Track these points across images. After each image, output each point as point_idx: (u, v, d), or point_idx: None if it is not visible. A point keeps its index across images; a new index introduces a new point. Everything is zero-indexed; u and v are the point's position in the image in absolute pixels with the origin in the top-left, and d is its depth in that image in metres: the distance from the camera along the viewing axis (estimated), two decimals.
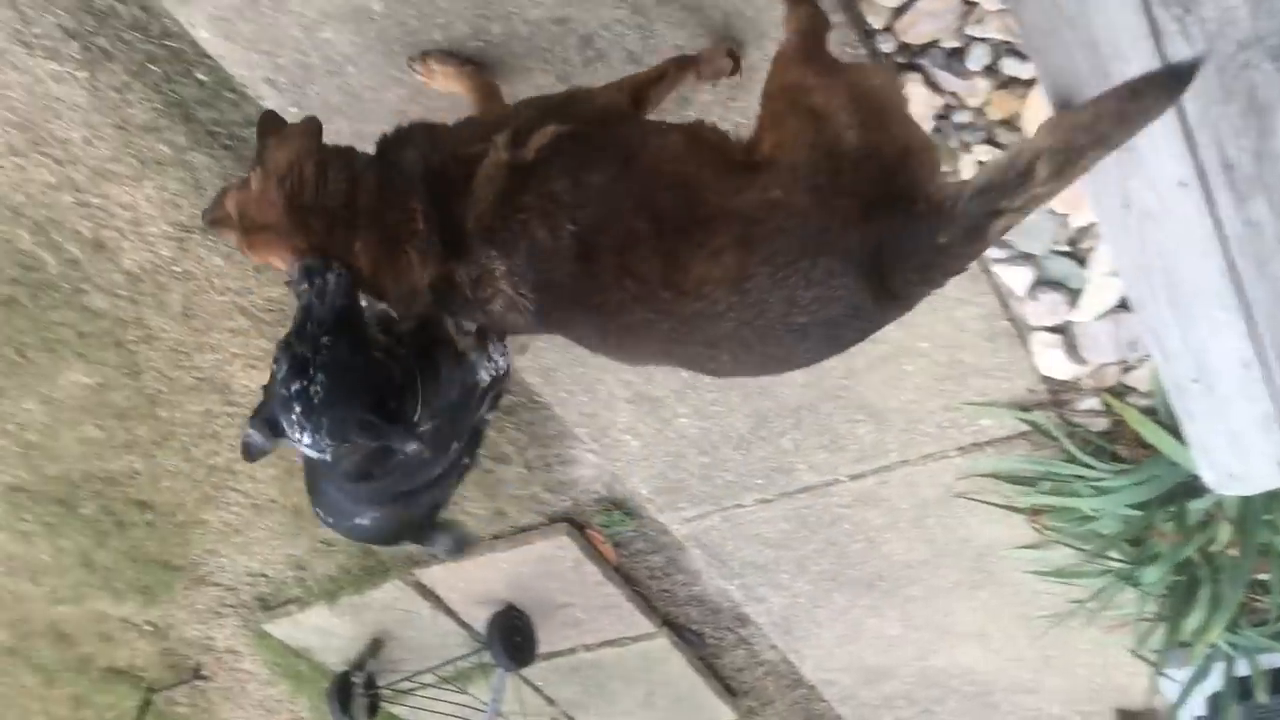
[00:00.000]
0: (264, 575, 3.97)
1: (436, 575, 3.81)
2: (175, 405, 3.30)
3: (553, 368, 3.00)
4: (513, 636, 3.85)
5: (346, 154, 1.85)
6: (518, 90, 2.30)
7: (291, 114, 2.45)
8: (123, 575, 3.99)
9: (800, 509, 3.28)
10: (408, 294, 1.83)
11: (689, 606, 3.84)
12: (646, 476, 3.28)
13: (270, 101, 2.44)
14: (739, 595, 3.70)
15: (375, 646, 4.25)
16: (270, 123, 1.93)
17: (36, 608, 4.23)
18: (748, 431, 3.04)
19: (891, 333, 2.66)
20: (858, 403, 2.89)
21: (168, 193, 2.71)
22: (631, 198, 1.73)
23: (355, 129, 2.48)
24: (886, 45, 2.17)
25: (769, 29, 2.16)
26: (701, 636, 3.93)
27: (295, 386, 1.74)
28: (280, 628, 4.13)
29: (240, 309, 2.99)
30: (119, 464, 3.53)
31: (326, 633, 4.14)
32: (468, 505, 3.52)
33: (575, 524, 3.53)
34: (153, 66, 2.47)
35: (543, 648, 3.95)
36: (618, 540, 3.60)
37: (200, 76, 2.49)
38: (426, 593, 3.89)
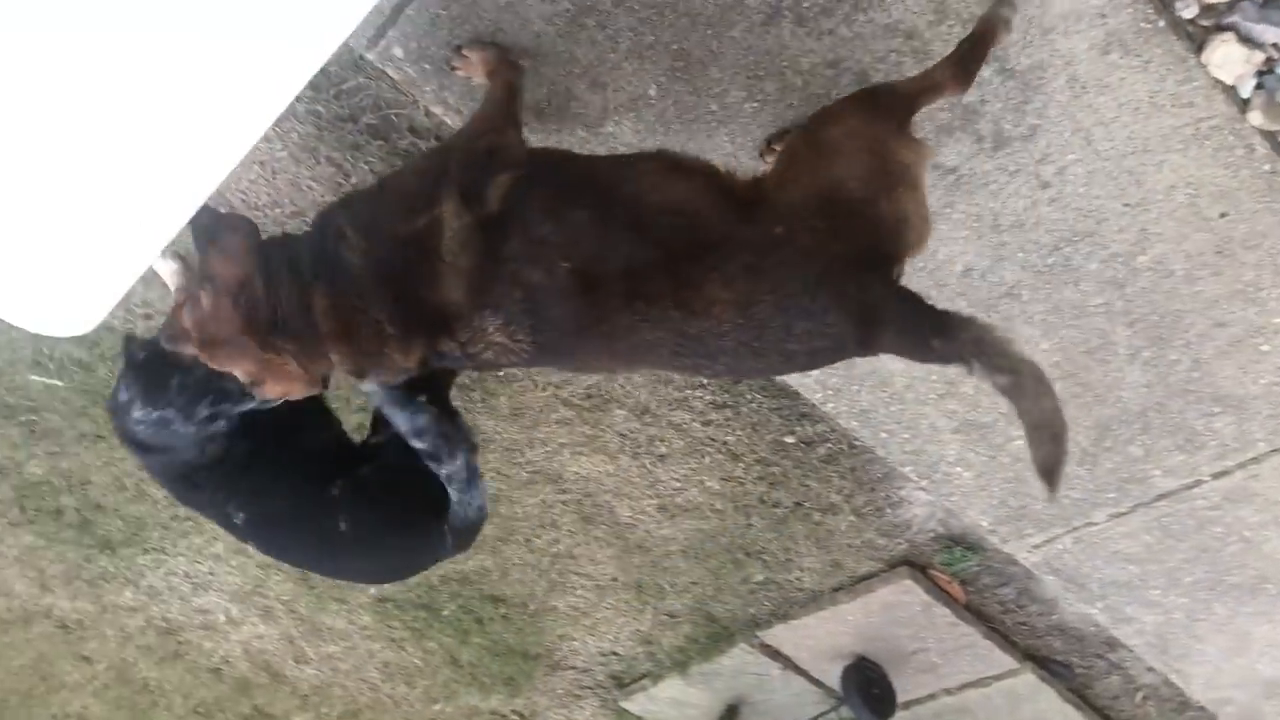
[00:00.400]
0: (615, 654, 4.08)
1: (781, 635, 3.79)
2: (514, 501, 3.47)
3: (868, 409, 2.94)
4: (869, 689, 3.76)
5: (289, 255, 1.89)
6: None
7: None
8: (487, 668, 4.21)
9: (1161, 518, 3.04)
10: (394, 373, 1.93)
11: (1050, 637, 3.63)
12: (985, 507, 3.14)
13: None
14: (1104, 618, 3.46)
15: (731, 713, 4.26)
16: (206, 222, 1.92)
17: (415, 709, 4.52)
18: (1090, 444, 2.86)
19: (1239, 313, 2.48)
20: (1211, 395, 2.66)
21: None
22: (627, 227, 1.78)
23: None
24: (1187, 10, 2.03)
25: (1056, 23, 2.07)
26: (1069, 667, 3.70)
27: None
28: (637, 703, 4.22)
29: (561, 400, 3.12)
30: (471, 563, 3.74)
31: (682, 704, 4.20)
32: (804, 561, 3.49)
33: (916, 566, 3.42)
34: None
35: (901, 697, 3.83)
36: (963, 577, 3.46)
37: None
38: (774, 653, 3.87)
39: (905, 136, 1.89)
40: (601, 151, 2.44)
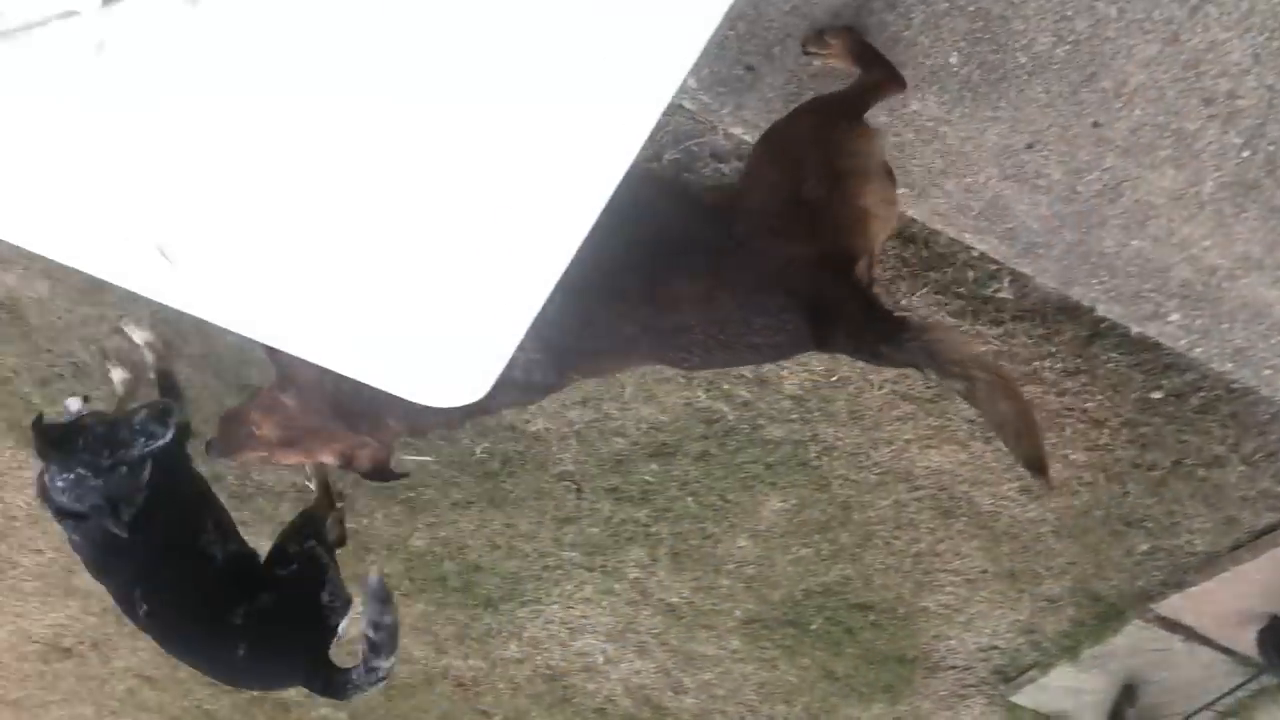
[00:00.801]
0: (995, 648, 3.91)
1: (1178, 605, 3.51)
2: (866, 505, 3.42)
3: (1244, 346, 2.70)
4: None
5: None
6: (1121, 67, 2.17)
7: (899, 195, 2.50)
8: (863, 678, 4.14)
9: None
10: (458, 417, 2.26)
11: None
12: None
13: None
14: None
15: (1128, 694, 3.99)
16: None
17: None
18: None
19: None
20: None
21: None
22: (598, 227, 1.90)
23: (964, 184, 2.47)
24: None
25: None
26: None
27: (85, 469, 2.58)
28: (1028, 696, 4.03)
29: (901, 395, 3.05)
30: (832, 575, 3.71)
31: (1076, 691, 3.97)
32: (1192, 523, 3.23)
33: None
34: None
35: None
36: None
37: None
38: (1173, 625, 3.59)
39: (856, 127, 2.01)
40: (909, 135, 2.39)
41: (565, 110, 1.22)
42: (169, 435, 2.67)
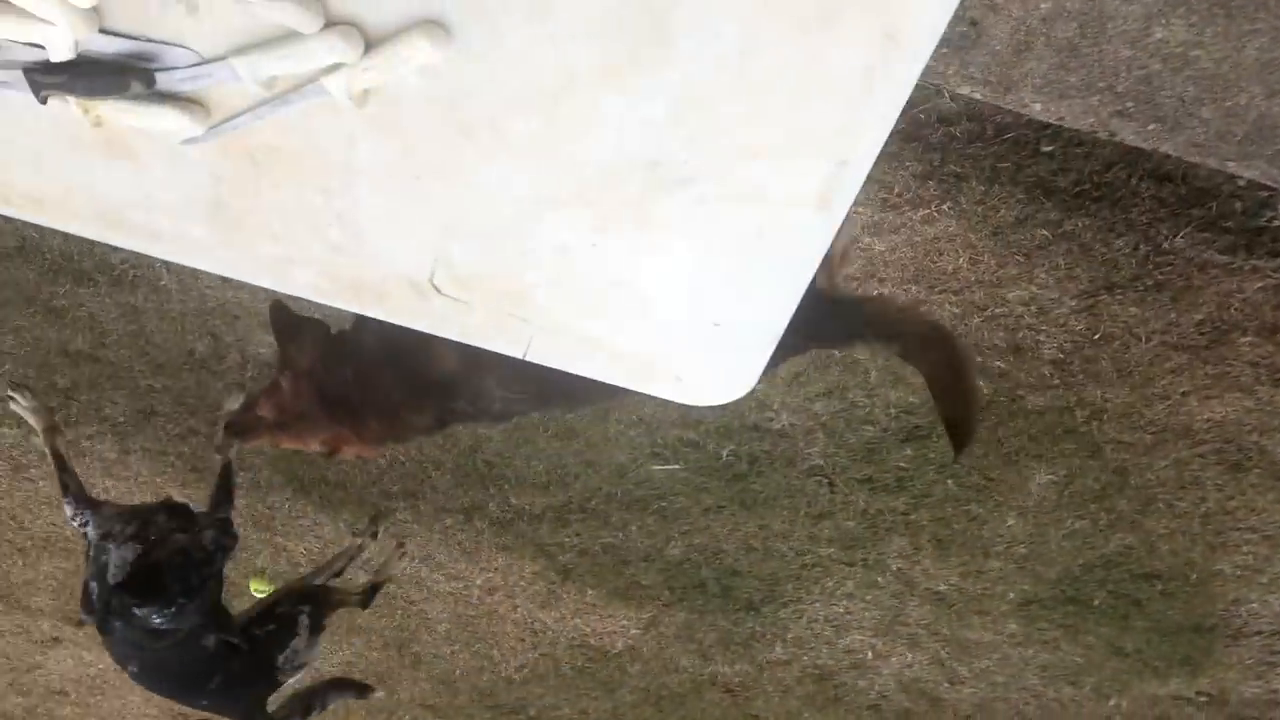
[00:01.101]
0: None
1: None
2: (1144, 468, 3.20)
3: None
4: None
5: (335, 345, 2.23)
6: None
7: (1150, 131, 2.34)
8: (1156, 652, 3.89)
9: None
10: (417, 432, 2.28)
11: None
12: None
13: (1127, 133, 2.34)
14: None
15: None
16: (281, 315, 2.33)
17: (1088, 708, 4.28)
18: None
19: None
20: None
21: (1060, 271, 2.71)
22: None
23: (1224, 109, 2.28)
24: None
25: None
26: None
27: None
28: None
29: (1170, 346, 2.84)
30: (1112, 545, 3.49)
31: None
32: None
33: None
34: (1001, 164, 2.52)
35: None
36: None
37: (1046, 148, 2.48)
38: None
39: None
40: (1156, 65, 2.22)
41: (819, 101, 1.17)
42: (236, 537, 2.95)
